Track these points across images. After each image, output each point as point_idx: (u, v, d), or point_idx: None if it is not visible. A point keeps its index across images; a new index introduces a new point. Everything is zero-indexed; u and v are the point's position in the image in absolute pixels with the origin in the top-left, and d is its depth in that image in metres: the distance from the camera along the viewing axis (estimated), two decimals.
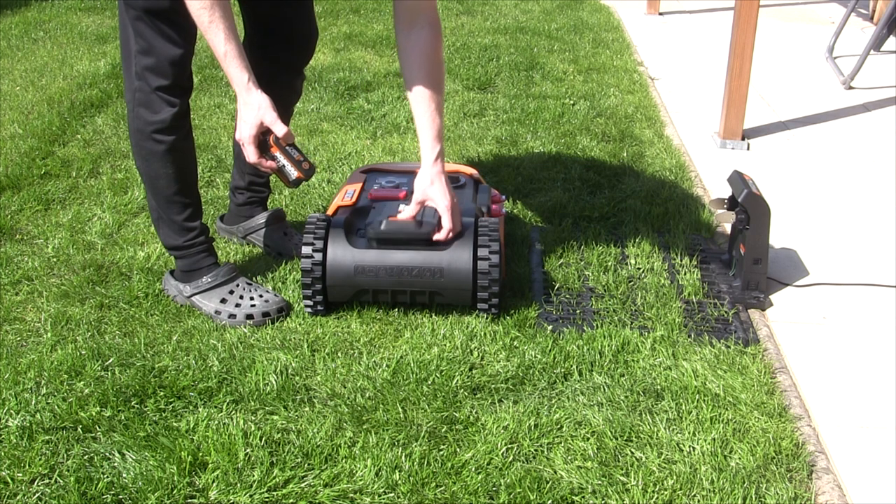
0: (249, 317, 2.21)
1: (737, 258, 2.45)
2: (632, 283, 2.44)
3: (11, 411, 1.86)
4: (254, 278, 2.40)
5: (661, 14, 6.17)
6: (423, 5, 2.14)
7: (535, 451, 1.78)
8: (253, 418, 1.86)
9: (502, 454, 1.76)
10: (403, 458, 1.74)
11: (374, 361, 2.06)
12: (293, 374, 2.00)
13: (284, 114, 2.54)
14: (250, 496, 1.64)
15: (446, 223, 2.18)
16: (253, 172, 2.57)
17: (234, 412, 1.88)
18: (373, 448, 1.77)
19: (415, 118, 2.18)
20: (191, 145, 2.23)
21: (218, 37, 1.93)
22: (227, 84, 4.17)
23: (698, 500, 1.67)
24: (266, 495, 1.65)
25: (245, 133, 1.99)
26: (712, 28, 5.77)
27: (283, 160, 2.05)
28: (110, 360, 2.02)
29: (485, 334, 2.16)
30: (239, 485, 1.67)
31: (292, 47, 2.40)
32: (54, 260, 2.51)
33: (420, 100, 2.15)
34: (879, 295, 2.48)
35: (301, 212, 2.87)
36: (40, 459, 1.72)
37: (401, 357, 2.07)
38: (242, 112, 1.99)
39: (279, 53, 2.38)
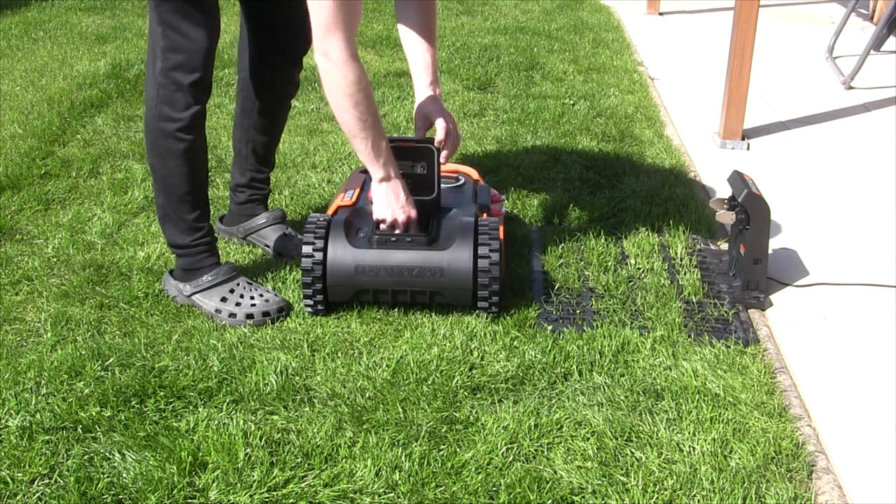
0: (249, 316, 2.21)
1: (737, 258, 2.45)
2: (632, 283, 2.44)
3: (11, 411, 1.86)
4: (254, 278, 2.40)
5: (661, 14, 6.17)
6: None
7: (535, 451, 1.78)
8: (253, 418, 1.86)
9: (502, 454, 1.76)
10: (403, 458, 1.74)
11: (374, 361, 2.06)
12: (293, 374, 2.00)
13: (283, 106, 2.56)
14: (250, 496, 1.64)
15: (441, 133, 2.26)
16: (255, 169, 2.58)
17: (234, 412, 1.88)
18: (373, 448, 1.77)
19: (409, 60, 2.32)
20: (205, 145, 2.26)
21: (380, 133, 2.12)
22: (227, 84, 4.17)
23: (698, 500, 1.67)
24: (266, 495, 1.65)
25: (406, 214, 2.20)
26: (712, 28, 5.77)
27: None
28: (110, 360, 2.02)
29: (485, 334, 2.16)
30: (239, 485, 1.67)
31: (290, 38, 2.42)
32: (54, 260, 2.51)
33: (415, 42, 2.29)
34: (879, 295, 2.48)
35: (301, 212, 2.87)
36: (40, 459, 1.72)
37: (401, 357, 2.07)
38: (400, 196, 2.19)
39: (279, 45, 2.41)
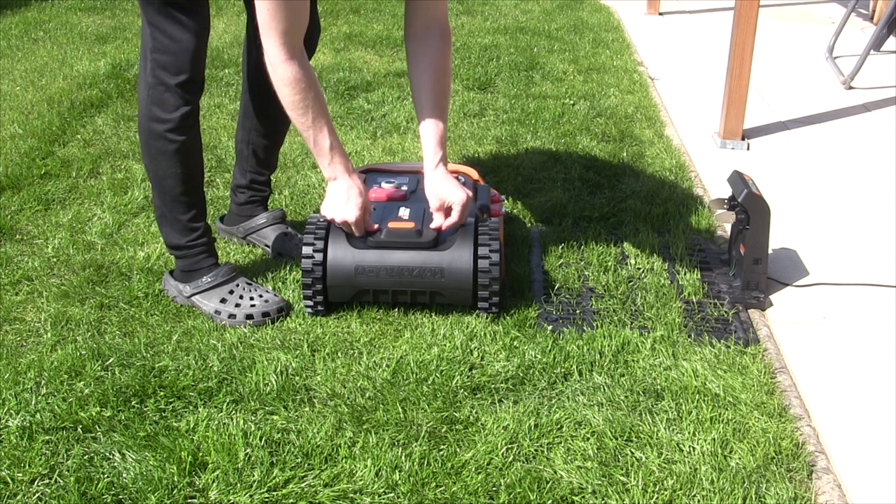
0: (249, 317, 2.21)
1: (737, 258, 2.45)
2: (632, 283, 2.44)
3: (11, 411, 1.86)
4: (254, 278, 2.40)
5: (661, 14, 6.17)
6: (437, 13, 2.20)
7: (535, 451, 1.78)
8: (253, 418, 1.86)
9: (502, 454, 1.76)
10: (403, 458, 1.74)
11: (374, 361, 2.06)
12: (293, 374, 2.00)
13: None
14: (250, 496, 1.64)
15: (455, 217, 2.20)
16: (255, 171, 2.58)
17: (234, 412, 1.88)
18: (373, 448, 1.77)
19: (419, 124, 2.23)
20: (199, 146, 2.25)
21: (322, 132, 2.08)
22: (227, 84, 4.17)
23: (698, 500, 1.67)
24: (266, 495, 1.65)
25: (353, 214, 2.15)
26: (712, 28, 5.77)
27: None
28: (110, 360, 2.02)
29: (485, 334, 2.16)
30: (239, 485, 1.67)
31: None
32: (54, 260, 2.51)
33: (425, 105, 2.20)
34: (879, 295, 2.48)
35: (301, 212, 2.87)
36: (40, 459, 1.72)
37: (401, 357, 2.07)
38: (350, 195, 2.15)
39: None
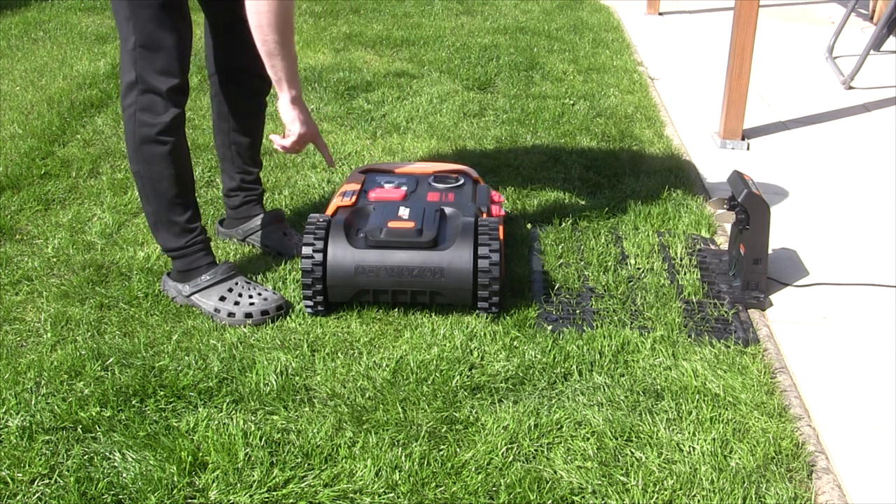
0: (248, 315, 2.21)
1: (737, 258, 2.45)
2: (632, 283, 2.44)
3: (11, 411, 1.86)
4: (254, 278, 2.40)
5: (661, 14, 6.17)
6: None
7: (535, 451, 1.78)
8: (253, 418, 1.86)
9: (502, 454, 1.76)
10: (403, 458, 1.74)
11: (374, 361, 2.06)
12: (293, 374, 2.00)
13: (259, 104, 2.55)
14: (250, 496, 1.64)
15: (287, 142, 2.27)
16: (242, 171, 2.58)
17: (234, 412, 1.88)
18: (373, 448, 1.77)
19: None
20: (187, 146, 2.26)
21: (294, 61, 2.19)
22: None
23: (698, 500, 1.67)
24: (266, 495, 1.65)
25: (315, 128, 2.31)
26: (712, 28, 5.77)
27: None
28: (110, 360, 2.02)
29: (485, 334, 2.16)
30: (239, 485, 1.67)
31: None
32: (54, 260, 2.51)
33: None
34: (879, 295, 2.48)
35: (301, 212, 2.87)
36: (40, 459, 1.72)
37: (401, 357, 2.07)
38: (308, 111, 2.28)
39: (247, 43, 2.39)
